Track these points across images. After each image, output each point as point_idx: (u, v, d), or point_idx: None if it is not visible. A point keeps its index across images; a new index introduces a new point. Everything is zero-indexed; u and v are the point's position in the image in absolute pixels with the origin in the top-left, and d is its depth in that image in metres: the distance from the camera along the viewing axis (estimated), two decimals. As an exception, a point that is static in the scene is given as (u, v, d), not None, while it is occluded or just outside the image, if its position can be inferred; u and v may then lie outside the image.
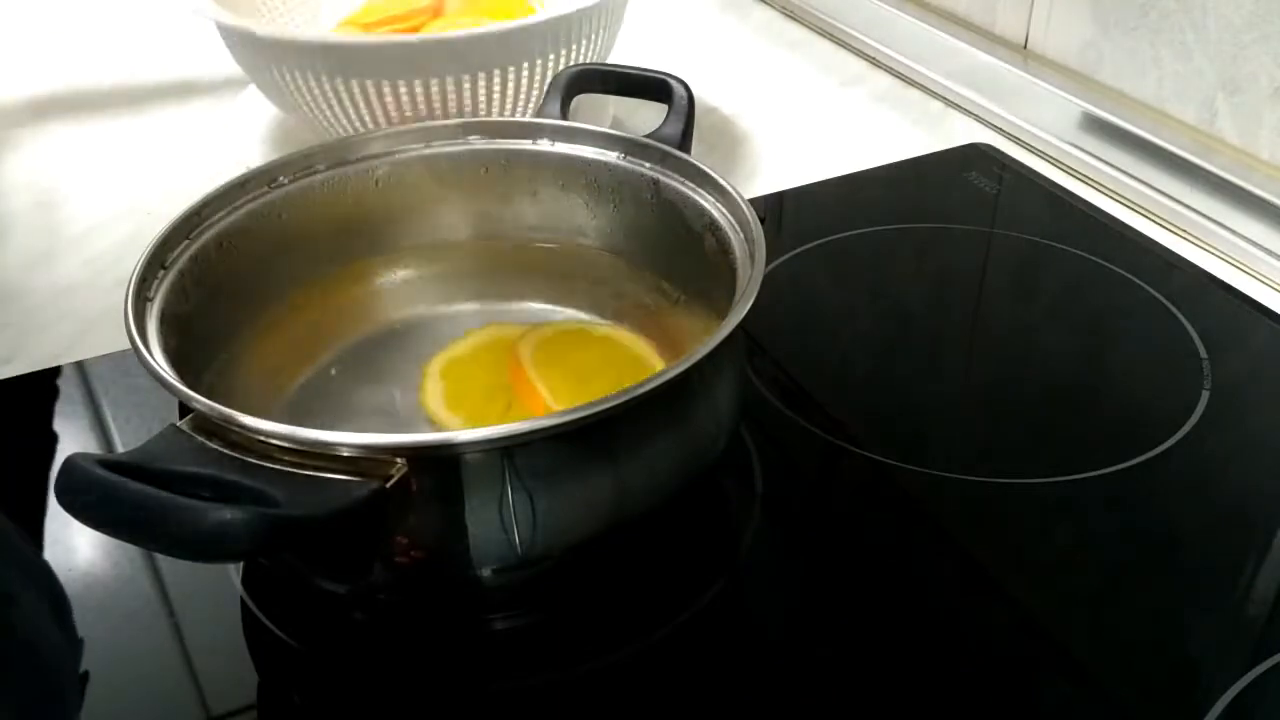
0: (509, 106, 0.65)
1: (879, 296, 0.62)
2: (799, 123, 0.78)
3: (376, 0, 0.75)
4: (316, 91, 0.62)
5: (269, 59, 0.62)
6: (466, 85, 0.62)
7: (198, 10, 0.64)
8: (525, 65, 0.63)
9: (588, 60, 0.66)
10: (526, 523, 0.38)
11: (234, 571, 0.44)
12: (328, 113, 0.64)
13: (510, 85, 0.63)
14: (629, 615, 0.43)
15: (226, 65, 0.68)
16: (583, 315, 0.52)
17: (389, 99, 0.62)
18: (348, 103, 0.62)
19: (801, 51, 0.88)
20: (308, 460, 0.35)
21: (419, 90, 0.62)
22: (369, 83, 0.61)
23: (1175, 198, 0.65)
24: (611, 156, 0.51)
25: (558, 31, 0.63)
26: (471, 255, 0.55)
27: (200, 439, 0.36)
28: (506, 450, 0.37)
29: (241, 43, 0.64)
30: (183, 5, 0.64)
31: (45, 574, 0.44)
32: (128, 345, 0.40)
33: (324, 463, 0.35)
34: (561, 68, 0.64)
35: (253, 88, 0.72)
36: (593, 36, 0.65)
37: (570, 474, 0.39)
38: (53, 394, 0.54)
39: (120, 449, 0.49)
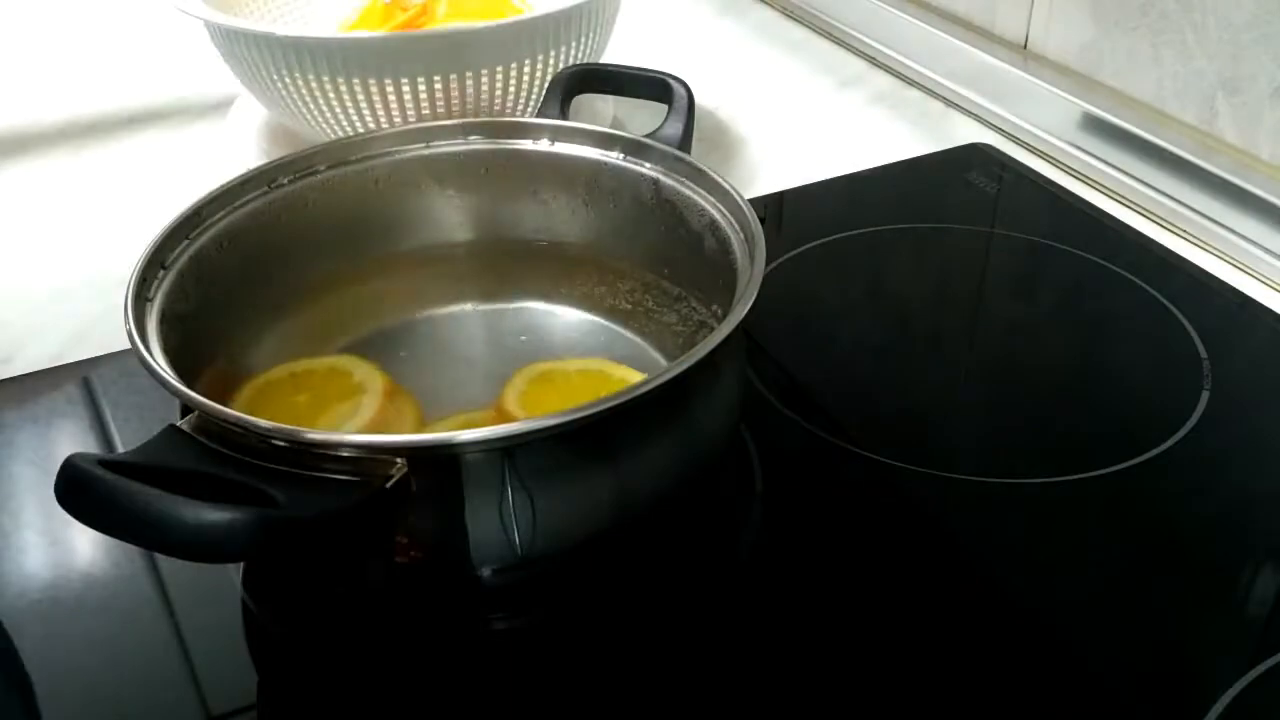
0: (509, 106, 0.65)
1: (879, 296, 0.62)
2: (799, 123, 0.78)
3: (365, 7, 0.75)
4: (305, 91, 0.62)
5: (260, 57, 0.62)
6: (458, 83, 0.62)
7: (185, 9, 0.63)
8: (525, 62, 0.63)
9: (584, 56, 0.66)
10: (526, 523, 0.38)
11: (234, 571, 0.44)
12: (323, 112, 0.64)
13: (511, 83, 0.63)
14: (629, 615, 0.43)
15: (226, 68, 0.67)
16: (583, 315, 0.52)
17: (391, 97, 0.62)
18: (347, 101, 0.62)
19: (801, 51, 0.88)
20: (308, 460, 0.35)
21: (421, 88, 0.62)
22: (371, 81, 0.61)
23: (1175, 198, 0.65)
24: (611, 156, 0.51)
25: (550, 29, 0.63)
26: (471, 255, 0.55)
27: (200, 439, 0.36)
28: (506, 450, 0.37)
29: (231, 41, 0.63)
30: (172, 3, 0.64)
31: None
32: (128, 345, 0.40)
33: (324, 463, 0.35)
34: (558, 65, 0.64)
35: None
36: (589, 34, 0.65)
37: (570, 474, 0.39)
38: (53, 394, 0.54)
39: (120, 449, 0.49)
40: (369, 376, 0.46)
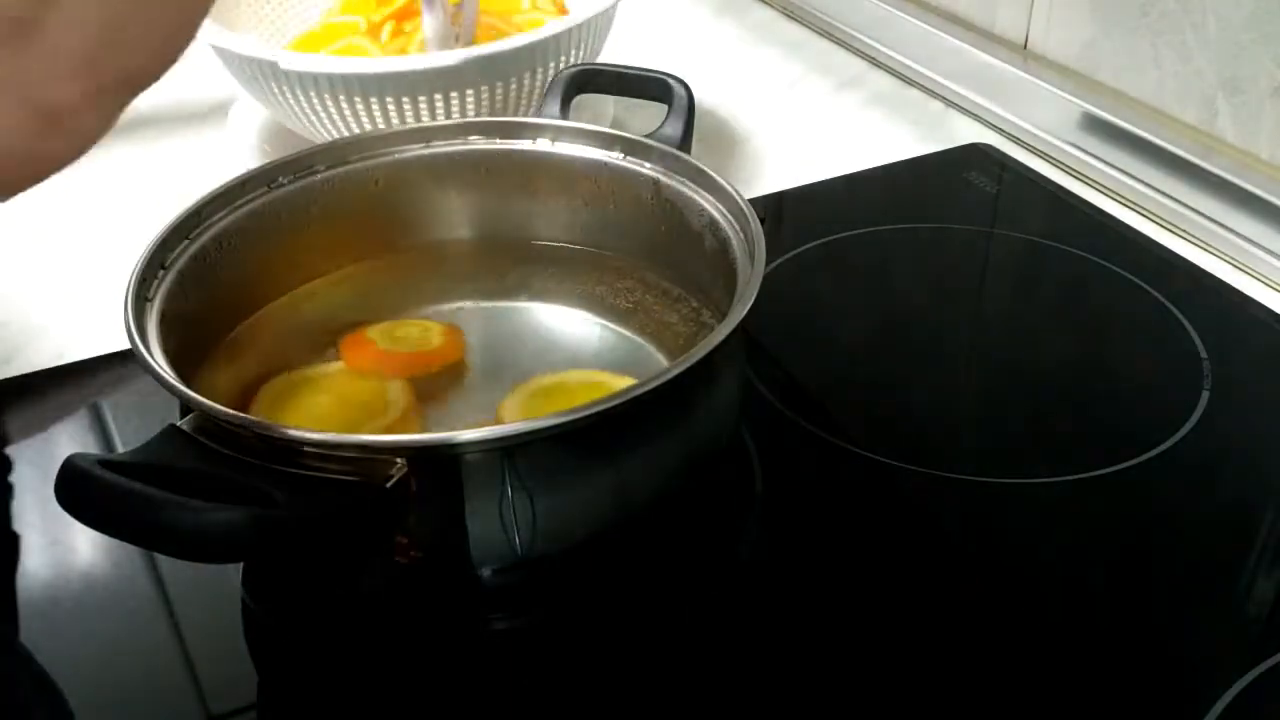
0: (511, 108, 0.65)
1: (879, 296, 0.62)
2: (799, 122, 0.78)
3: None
4: (307, 105, 0.62)
5: (280, 83, 0.62)
6: (458, 99, 0.62)
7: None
8: (537, 70, 0.63)
9: (584, 57, 0.66)
10: (526, 523, 0.38)
11: (234, 571, 0.44)
12: (324, 123, 0.63)
13: (525, 88, 0.63)
14: (629, 615, 0.43)
15: (227, 71, 0.67)
16: (583, 315, 0.52)
17: (392, 111, 0.61)
18: (348, 115, 0.62)
19: (801, 51, 0.88)
20: (308, 460, 0.35)
21: (422, 104, 0.61)
22: (373, 99, 0.61)
23: (1175, 198, 0.65)
24: (611, 156, 0.51)
25: (563, 39, 0.62)
26: (471, 255, 0.55)
27: (200, 439, 0.36)
28: (506, 450, 0.37)
29: (245, 67, 0.63)
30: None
31: (30, 662, 0.42)
32: (128, 345, 0.40)
33: (324, 463, 0.35)
34: (560, 68, 0.64)
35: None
36: (589, 40, 0.65)
37: (570, 474, 0.39)
38: (53, 394, 0.54)
39: (120, 449, 0.49)
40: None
